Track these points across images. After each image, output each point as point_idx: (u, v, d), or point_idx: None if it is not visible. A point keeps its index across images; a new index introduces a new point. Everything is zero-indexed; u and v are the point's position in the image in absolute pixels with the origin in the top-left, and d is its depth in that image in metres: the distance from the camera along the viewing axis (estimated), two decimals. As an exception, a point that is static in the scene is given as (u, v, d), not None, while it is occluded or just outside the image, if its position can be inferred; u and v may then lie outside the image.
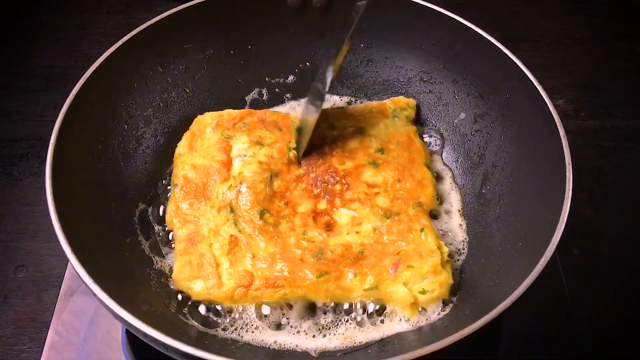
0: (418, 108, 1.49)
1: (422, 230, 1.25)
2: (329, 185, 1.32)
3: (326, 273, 1.19)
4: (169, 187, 1.38)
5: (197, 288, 1.20)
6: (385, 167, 1.35)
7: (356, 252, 1.24)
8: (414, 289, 1.18)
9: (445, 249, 1.23)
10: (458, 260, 1.29)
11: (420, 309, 1.19)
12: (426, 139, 1.48)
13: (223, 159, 1.34)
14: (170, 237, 1.31)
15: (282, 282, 1.18)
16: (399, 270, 1.19)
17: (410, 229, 1.26)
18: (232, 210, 1.27)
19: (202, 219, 1.28)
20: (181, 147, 1.40)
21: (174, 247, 1.29)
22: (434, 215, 1.34)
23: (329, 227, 1.27)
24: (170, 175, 1.39)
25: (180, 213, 1.30)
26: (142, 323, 0.98)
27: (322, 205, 1.30)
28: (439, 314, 1.19)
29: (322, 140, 1.40)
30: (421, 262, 1.19)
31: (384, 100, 1.48)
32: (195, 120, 1.43)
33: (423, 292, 1.18)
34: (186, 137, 1.41)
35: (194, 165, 1.35)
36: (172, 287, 1.24)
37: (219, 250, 1.23)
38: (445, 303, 1.20)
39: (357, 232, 1.27)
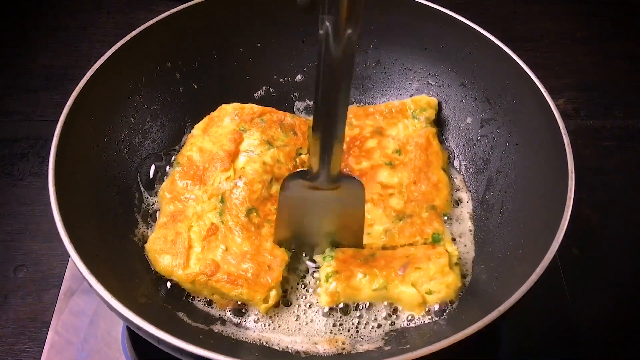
0: (440, 106, 1.47)
1: (433, 233, 1.26)
2: None
3: (336, 272, 1.20)
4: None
5: (164, 263, 1.22)
6: (402, 168, 1.35)
7: (366, 254, 1.24)
8: (421, 290, 1.18)
9: (456, 252, 1.24)
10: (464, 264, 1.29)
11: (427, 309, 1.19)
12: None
13: (231, 149, 1.35)
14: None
15: (242, 282, 1.19)
16: (407, 272, 1.19)
17: (422, 231, 1.26)
18: (222, 200, 1.28)
19: (192, 201, 1.29)
20: (196, 129, 1.42)
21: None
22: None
23: None
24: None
25: (174, 190, 1.31)
26: (133, 314, 0.98)
27: None
28: (435, 318, 1.19)
29: None
30: (429, 264, 1.20)
31: (405, 100, 1.47)
32: (219, 107, 1.44)
33: (430, 292, 1.18)
34: (204, 120, 1.43)
35: (201, 149, 1.36)
36: (170, 283, 1.24)
37: (196, 234, 1.25)
38: (444, 307, 1.20)
39: (368, 234, 1.26)
